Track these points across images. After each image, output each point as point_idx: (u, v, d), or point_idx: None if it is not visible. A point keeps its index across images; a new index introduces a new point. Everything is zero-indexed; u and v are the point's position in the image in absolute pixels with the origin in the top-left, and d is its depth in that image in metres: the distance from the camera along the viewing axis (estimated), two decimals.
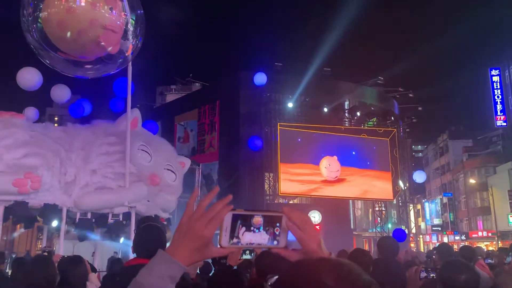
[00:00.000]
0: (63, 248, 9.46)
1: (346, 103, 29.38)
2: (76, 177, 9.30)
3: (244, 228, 1.07)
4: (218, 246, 1.09)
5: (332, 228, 24.16)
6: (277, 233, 1.10)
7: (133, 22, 6.87)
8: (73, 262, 4.18)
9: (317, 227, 25.02)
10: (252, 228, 1.07)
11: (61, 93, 12.86)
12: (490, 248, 30.11)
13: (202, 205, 1.12)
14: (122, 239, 10.54)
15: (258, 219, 1.08)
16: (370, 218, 32.38)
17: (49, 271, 3.29)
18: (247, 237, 1.07)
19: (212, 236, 1.09)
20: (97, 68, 7.01)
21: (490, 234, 40.92)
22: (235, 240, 1.07)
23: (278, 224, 1.10)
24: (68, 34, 6.03)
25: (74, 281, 3.89)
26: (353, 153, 25.53)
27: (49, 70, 7.13)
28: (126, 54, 7.11)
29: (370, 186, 25.70)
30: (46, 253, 6.38)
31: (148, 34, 7.32)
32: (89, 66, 6.89)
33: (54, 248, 11.61)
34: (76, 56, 6.48)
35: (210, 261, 5.94)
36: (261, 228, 1.08)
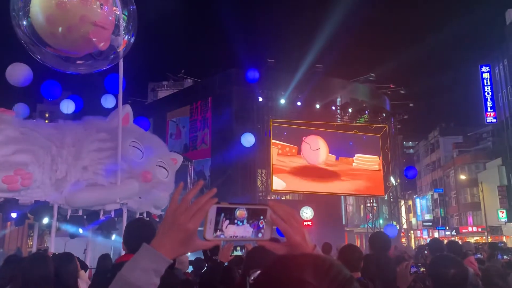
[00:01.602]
0: (54, 245, 9.41)
1: (338, 99, 29.45)
2: (67, 174, 9.25)
3: (227, 221, 1.08)
4: (203, 239, 1.10)
5: (324, 224, 24.28)
6: (261, 226, 1.12)
7: (125, 17, 6.81)
8: (64, 259, 4.17)
9: (309, 223, 25.21)
10: (235, 221, 1.09)
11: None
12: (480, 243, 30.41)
13: (187, 198, 1.13)
14: (114, 236, 10.53)
15: (242, 212, 1.09)
16: (362, 214, 32.57)
17: (46, 269, 3.28)
18: (231, 230, 1.09)
19: (196, 229, 1.10)
20: (89, 64, 6.94)
21: (480, 229, 41.35)
22: (218, 232, 1.08)
23: (262, 217, 1.12)
24: (59, 29, 5.97)
25: (65, 279, 3.88)
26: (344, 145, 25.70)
27: (39, 65, 7.07)
28: (118, 50, 7.06)
29: (362, 182, 25.85)
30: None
31: (140, 30, 7.27)
32: (80, 62, 6.82)
33: (46, 245, 11.56)
34: (65, 52, 6.42)
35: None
36: (245, 221, 1.10)
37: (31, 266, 3.27)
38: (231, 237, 1.10)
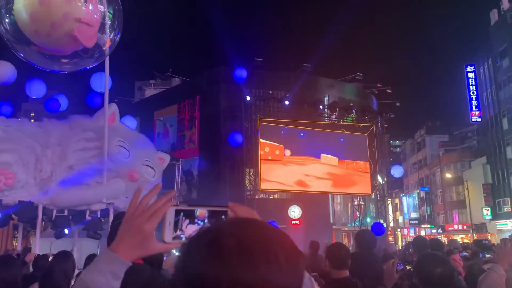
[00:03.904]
0: (39, 246, 9.28)
1: (326, 98, 29.57)
2: (52, 173, 9.13)
3: (188, 221, 1.07)
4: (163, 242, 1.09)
5: (312, 223, 24.36)
6: None
7: (111, 15, 6.74)
8: (58, 258, 4.08)
9: (297, 222, 25.28)
10: (196, 220, 1.07)
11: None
12: (466, 241, 30.89)
13: (144, 201, 1.13)
14: (100, 236, 10.41)
15: (202, 212, 1.08)
16: (349, 213, 32.76)
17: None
18: (191, 230, 1.06)
19: (153, 231, 1.10)
20: (74, 62, 6.86)
21: (465, 227, 41.91)
22: (178, 232, 1.07)
23: (223, 218, 1.11)
24: (43, 27, 5.88)
25: (57, 278, 3.79)
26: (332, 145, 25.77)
27: (23, 64, 6.96)
28: (104, 48, 6.98)
29: (349, 180, 25.98)
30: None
31: (127, 28, 7.21)
32: (65, 60, 6.73)
33: (31, 246, 11.39)
34: (50, 50, 6.33)
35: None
36: (206, 220, 1.08)
37: None
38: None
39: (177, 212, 1.07)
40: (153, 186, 1.18)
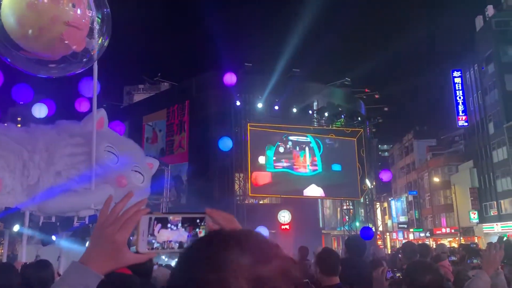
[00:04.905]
0: (25, 254, 9.14)
1: (315, 103, 29.69)
2: (39, 179, 9.00)
3: (160, 225, 1.01)
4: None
5: (301, 227, 24.38)
6: (198, 232, 1.04)
7: (99, 20, 6.70)
8: (36, 267, 4.02)
9: (287, 226, 25.28)
10: (169, 225, 1.01)
11: None
12: (453, 245, 31.16)
13: (116, 210, 1.07)
14: (88, 243, 10.29)
15: (176, 218, 1.03)
16: (339, 217, 32.85)
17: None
18: (164, 235, 1.01)
19: (125, 241, 1.04)
20: (62, 67, 6.79)
21: (453, 231, 42.28)
22: (150, 238, 1.01)
23: (201, 224, 1.05)
24: (30, 31, 5.82)
25: (36, 287, 3.73)
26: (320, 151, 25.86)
27: (10, 68, 6.87)
28: (92, 53, 6.93)
29: (338, 184, 26.07)
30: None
31: (115, 33, 7.17)
32: (53, 65, 6.66)
33: (17, 253, 11.22)
34: (40, 55, 6.27)
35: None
36: (179, 225, 1.02)
37: None
38: (164, 242, 1.01)
39: (151, 222, 1.01)
40: (126, 195, 1.11)
